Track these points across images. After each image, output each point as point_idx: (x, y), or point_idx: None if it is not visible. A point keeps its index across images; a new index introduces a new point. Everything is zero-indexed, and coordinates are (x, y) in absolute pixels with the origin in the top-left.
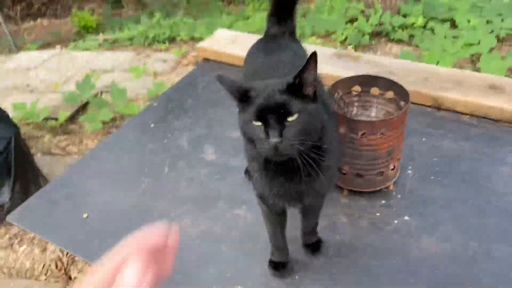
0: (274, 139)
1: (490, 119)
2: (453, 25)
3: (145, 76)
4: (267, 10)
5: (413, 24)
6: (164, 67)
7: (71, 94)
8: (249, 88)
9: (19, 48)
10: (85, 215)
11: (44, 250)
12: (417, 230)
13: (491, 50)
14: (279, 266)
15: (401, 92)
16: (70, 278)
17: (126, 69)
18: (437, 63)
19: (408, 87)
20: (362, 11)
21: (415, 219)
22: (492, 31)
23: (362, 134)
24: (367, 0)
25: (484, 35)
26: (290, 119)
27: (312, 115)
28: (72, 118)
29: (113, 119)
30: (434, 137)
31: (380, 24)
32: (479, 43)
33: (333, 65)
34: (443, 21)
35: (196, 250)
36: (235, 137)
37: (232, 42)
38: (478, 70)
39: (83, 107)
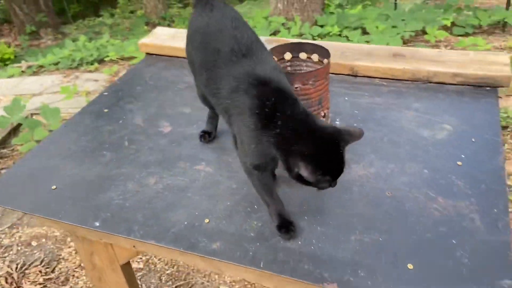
0: None
1: (396, 79)
2: (364, 31)
3: (77, 96)
4: None
5: (329, 32)
6: (95, 86)
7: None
8: None
9: None
10: (53, 187)
11: None
12: (347, 161)
13: None
14: (289, 226)
15: (323, 53)
16: None
17: (55, 91)
18: None
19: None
20: (283, 24)
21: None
22: (398, 33)
23: (296, 87)
24: (287, 13)
25: (391, 38)
26: None
27: None
28: (3, 142)
29: None
30: (354, 97)
31: (301, 34)
32: (387, 44)
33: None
34: (355, 29)
35: (164, 199)
36: (187, 113)
37: (172, 37)
38: None
39: (14, 130)
